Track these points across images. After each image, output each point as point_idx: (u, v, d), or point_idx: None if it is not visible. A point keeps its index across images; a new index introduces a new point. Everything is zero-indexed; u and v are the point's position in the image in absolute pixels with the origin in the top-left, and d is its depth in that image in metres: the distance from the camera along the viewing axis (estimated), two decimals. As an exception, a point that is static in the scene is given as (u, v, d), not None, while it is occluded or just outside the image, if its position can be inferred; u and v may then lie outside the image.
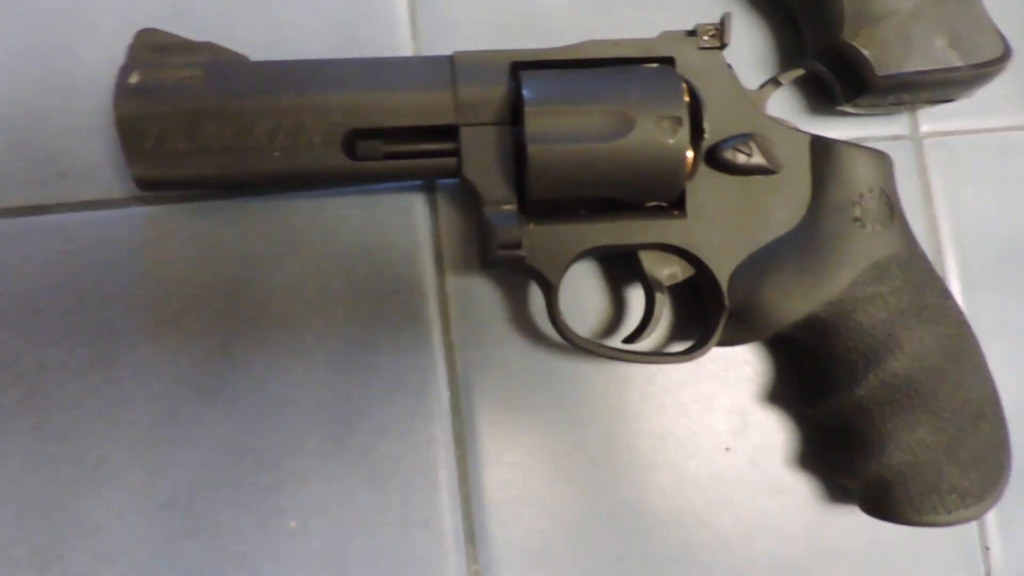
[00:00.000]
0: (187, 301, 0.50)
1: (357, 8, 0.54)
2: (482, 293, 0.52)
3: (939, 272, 0.54)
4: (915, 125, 0.57)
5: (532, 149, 0.43)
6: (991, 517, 0.54)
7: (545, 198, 0.45)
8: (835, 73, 0.52)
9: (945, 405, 0.46)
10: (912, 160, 0.56)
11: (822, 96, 0.55)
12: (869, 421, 0.47)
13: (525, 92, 0.44)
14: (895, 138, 0.56)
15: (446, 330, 0.51)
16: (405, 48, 0.54)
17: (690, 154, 0.45)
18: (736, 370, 0.53)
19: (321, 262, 0.51)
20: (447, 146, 0.46)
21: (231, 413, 0.49)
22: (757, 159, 0.47)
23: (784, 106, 0.56)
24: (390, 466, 0.50)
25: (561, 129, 0.44)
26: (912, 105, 0.54)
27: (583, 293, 0.52)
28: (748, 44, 0.56)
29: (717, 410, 0.53)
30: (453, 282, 0.52)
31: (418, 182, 0.52)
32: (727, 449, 0.52)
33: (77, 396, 0.49)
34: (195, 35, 0.46)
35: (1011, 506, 0.53)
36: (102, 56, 0.51)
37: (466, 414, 0.51)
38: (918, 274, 0.47)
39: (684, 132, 0.44)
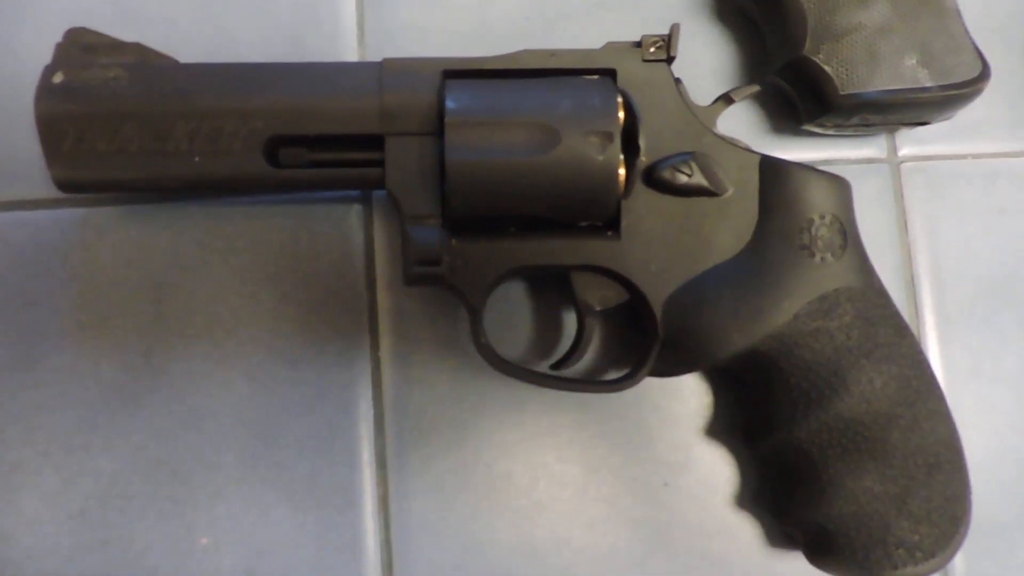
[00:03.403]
0: (112, 306, 0.49)
1: (303, 12, 0.52)
2: (413, 309, 0.50)
3: (912, 307, 0.51)
4: (893, 148, 0.53)
5: (450, 161, 0.41)
6: (959, 573, 0.50)
7: (468, 213, 0.43)
8: (797, 90, 0.49)
9: (895, 452, 0.43)
10: (888, 185, 0.53)
11: (789, 115, 0.52)
12: (811, 465, 0.44)
13: (447, 102, 0.42)
14: (870, 161, 0.53)
15: (374, 346, 0.49)
16: (351, 54, 0.52)
17: (623, 172, 0.42)
18: (680, 401, 0.50)
19: (249, 271, 0.49)
20: (372, 156, 0.44)
21: (150, 423, 0.48)
22: (698, 180, 0.44)
23: (750, 124, 0.53)
24: (309, 485, 0.48)
25: (482, 141, 0.42)
26: (883, 127, 0.50)
27: (514, 314, 0.50)
28: (712, 57, 0.53)
29: (657, 443, 0.50)
30: (384, 297, 0.50)
31: (355, 192, 0.50)
32: (665, 484, 0.49)
33: (-3, 398, 0.48)
34: (138, 36, 0.45)
35: (981, 562, 0.50)
36: (42, 53, 0.50)
37: (390, 435, 0.49)
38: (871, 309, 0.44)
39: (615, 149, 0.42)
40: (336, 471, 0.48)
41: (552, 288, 0.49)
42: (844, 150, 0.53)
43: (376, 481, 0.49)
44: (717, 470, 0.50)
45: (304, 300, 0.49)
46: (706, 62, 0.53)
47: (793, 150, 0.52)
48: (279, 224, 0.50)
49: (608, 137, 0.41)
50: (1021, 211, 0.52)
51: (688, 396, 0.50)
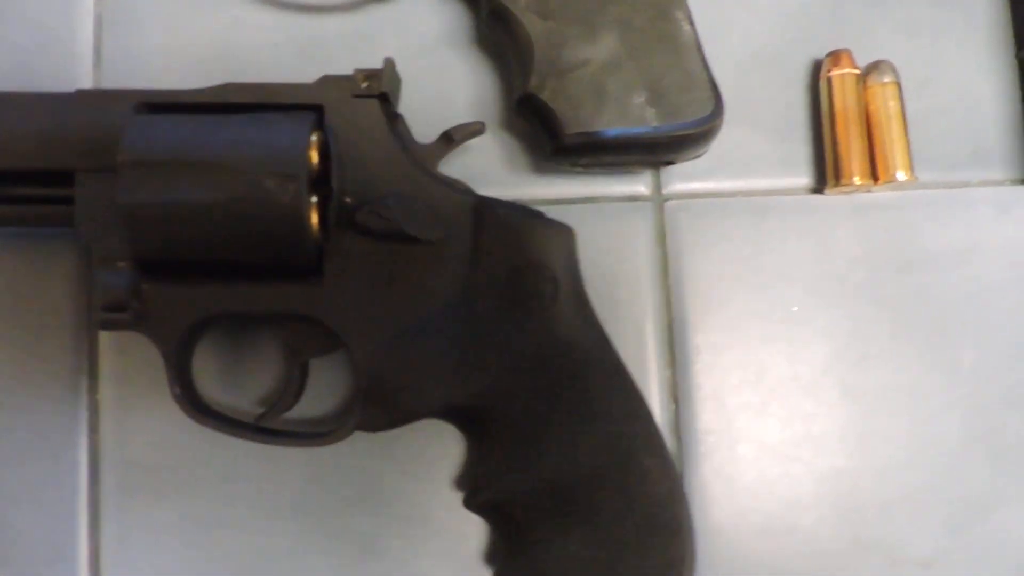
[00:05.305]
0: None
1: (34, 34, 0.49)
2: (138, 349, 0.47)
3: (669, 353, 0.48)
4: (657, 185, 0.51)
5: (124, 203, 0.39)
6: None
7: (154, 257, 0.40)
8: (534, 128, 0.46)
9: (603, 515, 0.41)
10: (651, 224, 0.50)
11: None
12: (517, 528, 0.42)
13: (124, 139, 0.40)
14: (633, 199, 0.50)
15: (92, 389, 0.47)
16: (85, 80, 0.49)
17: (316, 215, 0.40)
18: (420, 453, 0.47)
19: (-41, 310, 0.47)
20: (64, 192, 0.42)
21: None
22: (399, 224, 0.41)
23: (514, 160, 0.50)
24: (15, 538, 0.46)
25: (159, 182, 0.39)
26: (625, 167, 0.48)
27: (239, 360, 0.47)
28: (471, 90, 0.50)
29: (396, 498, 0.47)
30: (106, 337, 0.47)
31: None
32: (404, 542, 0.47)
33: None
34: None
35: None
36: None
37: (107, 484, 0.46)
38: (584, 364, 0.42)
39: (300, 190, 0.39)
40: (47, 524, 0.46)
41: (270, 334, 0.47)
42: (608, 187, 0.50)
43: (89, 534, 0.46)
44: (460, 526, 0.47)
45: (20, 339, 0.47)
46: (463, 95, 0.50)
47: (556, 186, 0.50)
48: (-5, 259, 0.47)
49: (292, 178, 0.39)
50: (790, 251, 0.50)
51: (429, 447, 0.47)
